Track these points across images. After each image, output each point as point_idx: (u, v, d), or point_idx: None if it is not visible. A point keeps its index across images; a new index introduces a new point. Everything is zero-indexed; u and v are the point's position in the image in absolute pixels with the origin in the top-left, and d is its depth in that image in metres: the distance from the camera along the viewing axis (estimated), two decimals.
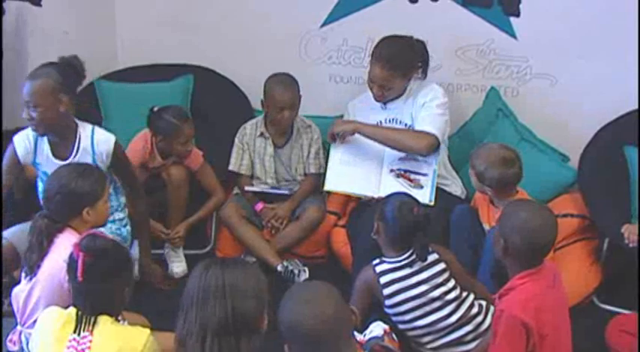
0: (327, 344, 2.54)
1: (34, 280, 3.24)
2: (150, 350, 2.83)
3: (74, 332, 2.85)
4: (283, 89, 4.58)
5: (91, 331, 2.84)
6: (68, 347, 2.82)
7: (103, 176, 3.49)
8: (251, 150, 4.74)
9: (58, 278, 3.11)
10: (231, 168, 4.75)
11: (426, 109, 4.43)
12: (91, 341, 2.82)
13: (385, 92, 4.45)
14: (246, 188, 4.69)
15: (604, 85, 4.72)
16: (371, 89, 4.50)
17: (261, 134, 4.71)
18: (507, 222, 3.17)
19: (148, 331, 2.88)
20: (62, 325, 2.87)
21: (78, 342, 2.82)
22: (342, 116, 4.77)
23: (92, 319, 2.86)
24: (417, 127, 4.41)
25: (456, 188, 4.61)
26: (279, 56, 4.92)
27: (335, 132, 4.47)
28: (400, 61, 4.42)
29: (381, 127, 4.48)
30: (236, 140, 4.76)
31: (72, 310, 2.91)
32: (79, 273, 2.86)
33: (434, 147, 4.34)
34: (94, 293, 2.88)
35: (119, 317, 2.95)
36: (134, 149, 4.52)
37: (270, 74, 4.68)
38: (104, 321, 2.87)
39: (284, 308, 2.61)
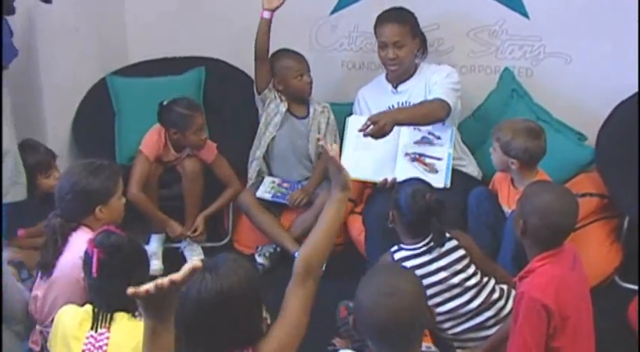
0: (392, 340, 2.48)
1: (50, 279, 3.24)
2: None
3: (91, 329, 2.84)
4: (293, 57, 4.70)
5: (108, 327, 2.83)
6: (86, 344, 2.81)
7: (116, 172, 3.46)
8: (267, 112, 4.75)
9: (74, 276, 3.10)
10: None
11: (438, 85, 4.42)
12: (108, 338, 2.81)
13: (400, 53, 4.45)
14: (258, 195, 4.67)
15: (619, 62, 4.69)
16: (385, 61, 4.52)
17: (279, 97, 4.72)
18: (528, 203, 3.13)
19: None
20: (79, 323, 2.86)
21: (95, 339, 2.81)
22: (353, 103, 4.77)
23: (109, 316, 2.85)
24: (429, 97, 4.39)
25: (472, 168, 4.60)
26: (290, 44, 4.90)
27: (379, 123, 4.13)
28: (406, 16, 4.52)
29: (407, 108, 4.42)
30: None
31: (88, 307, 2.90)
32: (93, 270, 2.85)
33: (446, 114, 4.30)
34: (110, 289, 2.87)
35: (136, 313, 2.93)
36: (148, 143, 4.54)
37: None
38: (121, 317, 2.86)
39: (364, 290, 2.54)
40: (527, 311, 2.96)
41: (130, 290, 1.91)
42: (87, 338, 2.82)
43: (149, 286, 1.90)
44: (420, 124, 4.34)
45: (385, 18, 4.51)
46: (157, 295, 1.91)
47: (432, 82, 4.47)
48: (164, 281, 1.91)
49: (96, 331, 2.83)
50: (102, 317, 2.85)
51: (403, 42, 4.45)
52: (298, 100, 4.76)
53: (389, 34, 4.45)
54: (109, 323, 2.84)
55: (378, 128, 4.06)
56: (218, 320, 2.41)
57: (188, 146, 4.56)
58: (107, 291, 2.88)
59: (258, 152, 4.74)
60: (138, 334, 2.78)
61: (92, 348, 2.81)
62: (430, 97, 4.38)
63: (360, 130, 4.09)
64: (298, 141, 4.75)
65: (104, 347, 2.80)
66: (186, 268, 1.94)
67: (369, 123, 4.07)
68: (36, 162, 4.25)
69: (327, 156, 2.74)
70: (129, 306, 2.90)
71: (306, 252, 2.67)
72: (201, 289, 2.40)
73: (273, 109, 4.70)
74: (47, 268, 3.27)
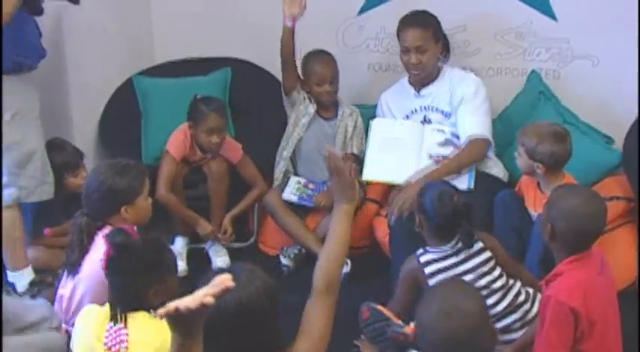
0: None
1: (76, 278, 3.24)
2: None
3: (110, 321, 2.84)
4: (321, 63, 4.68)
5: (125, 325, 2.81)
6: (106, 337, 2.80)
7: (142, 172, 3.47)
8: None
9: (99, 276, 3.08)
10: None
11: (470, 106, 4.43)
12: (127, 335, 2.79)
13: (423, 58, 4.43)
14: (284, 197, 4.66)
15: None
16: (407, 65, 4.50)
17: (308, 98, 4.74)
18: (555, 207, 3.11)
19: None
20: (101, 322, 2.85)
21: (115, 332, 2.80)
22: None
23: (124, 314, 2.84)
24: (466, 128, 4.42)
25: (498, 170, 4.57)
26: (317, 45, 4.89)
27: (400, 209, 4.12)
28: (428, 20, 4.49)
29: (442, 167, 4.35)
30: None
31: (107, 305, 2.90)
32: (103, 264, 2.87)
33: (488, 149, 4.43)
34: (120, 288, 2.87)
35: (156, 313, 2.88)
36: (175, 144, 4.55)
37: None
38: (142, 317, 2.84)
39: (425, 306, 2.57)
40: (554, 315, 2.95)
41: (161, 311, 1.89)
42: (107, 330, 2.82)
43: (179, 305, 1.88)
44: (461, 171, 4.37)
45: (407, 23, 4.48)
46: (186, 314, 1.89)
47: (457, 96, 4.46)
48: (195, 302, 1.88)
49: (115, 324, 2.82)
50: (119, 314, 2.84)
51: (426, 47, 4.43)
52: (323, 103, 4.76)
53: (411, 39, 4.43)
54: (126, 321, 2.82)
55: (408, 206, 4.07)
56: (237, 331, 2.39)
57: (200, 144, 4.57)
58: (120, 289, 2.88)
59: (285, 152, 4.74)
60: (161, 333, 2.76)
61: (113, 342, 2.79)
62: (464, 134, 4.41)
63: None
64: (325, 142, 4.75)
65: (124, 344, 2.79)
66: (217, 288, 1.91)
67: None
68: (63, 161, 4.28)
69: (336, 167, 2.70)
70: (143, 305, 2.87)
71: (324, 269, 2.65)
72: (219, 301, 2.36)
73: (302, 110, 4.71)
74: (73, 267, 3.28)
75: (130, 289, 2.88)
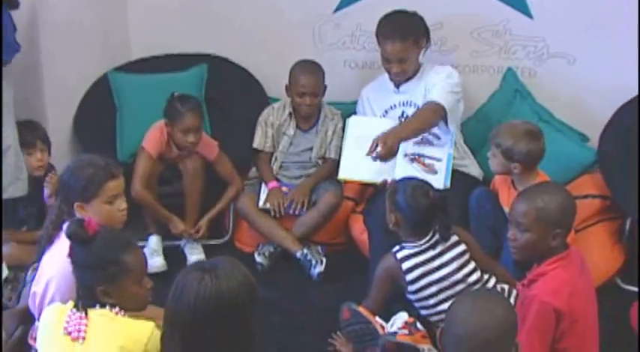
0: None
1: (49, 277, 3.17)
2: (155, 342, 2.67)
3: (74, 307, 2.79)
4: (306, 75, 4.62)
5: (86, 316, 2.75)
6: (67, 322, 2.73)
7: (111, 175, 3.28)
8: (275, 128, 4.74)
9: (70, 274, 2.96)
10: (255, 145, 4.76)
11: (437, 84, 4.40)
12: (86, 325, 2.74)
13: (404, 66, 4.44)
14: (261, 206, 4.65)
15: (623, 62, 4.68)
16: (389, 71, 4.50)
17: (290, 113, 4.74)
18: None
19: (152, 324, 2.74)
20: (65, 310, 2.80)
21: (76, 318, 2.73)
22: (357, 102, 4.76)
23: (85, 307, 2.78)
24: (429, 96, 4.37)
25: (473, 169, 4.58)
26: (293, 43, 4.89)
27: (387, 143, 4.11)
28: (407, 28, 4.44)
29: (407, 123, 4.35)
30: (260, 119, 4.77)
31: (71, 303, 2.84)
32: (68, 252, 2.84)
33: (441, 117, 4.32)
34: (79, 279, 2.83)
35: (115, 310, 2.79)
36: (151, 140, 4.52)
37: (284, 61, 4.71)
38: (100, 313, 2.77)
39: (458, 303, 2.56)
40: (538, 315, 2.94)
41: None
42: (68, 316, 2.76)
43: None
44: (424, 132, 4.32)
45: (387, 34, 4.44)
46: None
47: (430, 83, 4.45)
48: None
49: (77, 311, 2.77)
50: (80, 306, 2.78)
51: (407, 56, 4.43)
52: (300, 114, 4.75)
53: (391, 51, 4.41)
54: (86, 314, 2.76)
55: (388, 149, 4.07)
56: (213, 323, 2.41)
57: (176, 143, 4.55)
58: (79, 281, 2.84)
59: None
60: (122, 330, 2.73)
61: (73, 328, 2.71)
62: (427, 99, 4.37)
63: (369, 154, 4.09)
64: (304, 153, 4.78)
65: (82, 333, 2.73)
66: None
67: (375, 144, 4.08)
68: (20, 136, 4.20)
69: None
70: (97, 301, 2.80)
71: None
72: (199, 290, 2.39)
73: (284, 124, 4.73)
74: (41, 248, 3.25)
75: (81, 282, 2.83)
